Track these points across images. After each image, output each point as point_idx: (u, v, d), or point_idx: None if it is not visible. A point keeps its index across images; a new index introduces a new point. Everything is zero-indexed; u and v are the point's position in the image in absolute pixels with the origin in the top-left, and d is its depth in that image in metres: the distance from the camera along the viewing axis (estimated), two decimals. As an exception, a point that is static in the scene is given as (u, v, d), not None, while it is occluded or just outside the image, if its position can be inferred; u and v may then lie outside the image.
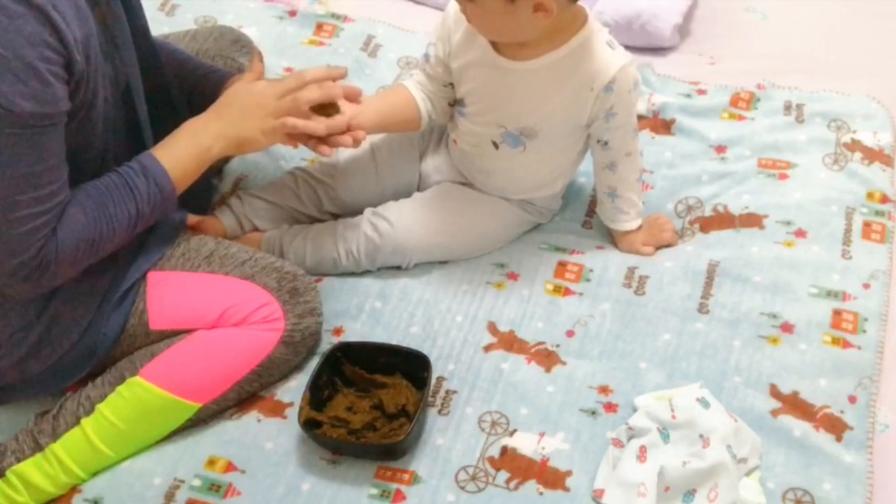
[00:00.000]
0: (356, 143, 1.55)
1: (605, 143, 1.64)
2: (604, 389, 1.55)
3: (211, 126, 1.48)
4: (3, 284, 1.35)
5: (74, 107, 1.31)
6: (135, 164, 1.43)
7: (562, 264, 1.72)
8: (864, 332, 1.60)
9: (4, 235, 1.30)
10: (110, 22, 1.38)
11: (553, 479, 1.45)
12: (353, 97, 1.59)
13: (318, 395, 1.50)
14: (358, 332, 1.63)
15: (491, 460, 1.47)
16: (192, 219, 1.67)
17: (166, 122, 1.53)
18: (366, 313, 1.65)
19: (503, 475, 1.45)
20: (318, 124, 1.52)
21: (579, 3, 1.52)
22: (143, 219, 1.43)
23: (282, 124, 1.50)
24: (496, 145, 1.65)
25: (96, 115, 1.37)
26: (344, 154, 1.79)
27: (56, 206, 1.32)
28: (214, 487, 1.45)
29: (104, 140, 1.42)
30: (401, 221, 1.68)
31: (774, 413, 1.51)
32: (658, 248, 1.75)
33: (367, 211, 1.71)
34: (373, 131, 1.63)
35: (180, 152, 1.46)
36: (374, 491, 1.44)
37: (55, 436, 1.46)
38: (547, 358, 1.59)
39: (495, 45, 1.57)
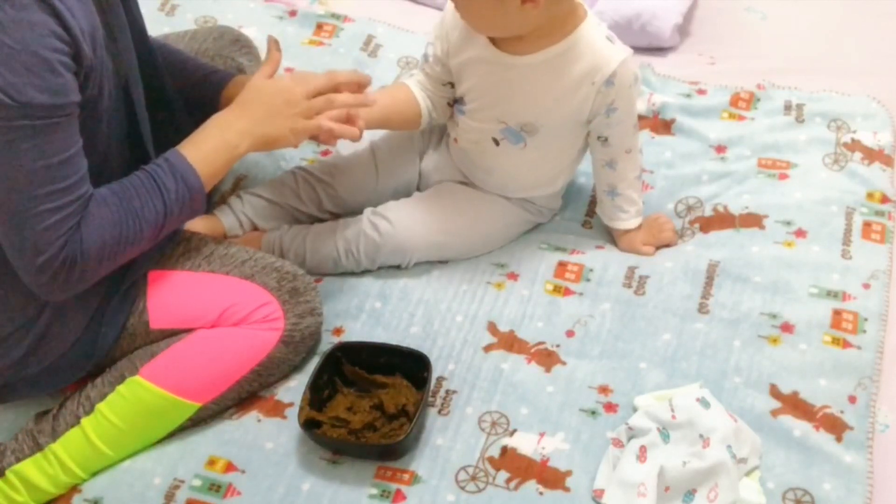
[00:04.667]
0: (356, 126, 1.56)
1: (606, 140, 1.64)
2: (604, 389, 1.55)
3: (238, 123, 1.48)
4: (31, 285, 1.34)
5: (83, 100, 1.30)
6: (162, 162, 1.42)
7: (562, 264, 1.72)
8: (864, 332, 1.60)
9: (27, 232, 1.29)
10: (108, 14, 1.38)
11: (553, 479, 1.45)
12: (366, 84, 1.59)
13: (318, 395, 1.51)
14: (358, 332, 1.63)
15: (491, 460, 1.47)
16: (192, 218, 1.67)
17: (163, 123, 1.53)
18: (366, 313, 1.65)
19: (503, 475, 1.45)
20: (355, 130, 1.53)
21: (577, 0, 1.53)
22: (171, 217, 1.41)
23: (316, 126, 1.50)
24: (497, 142, 1.65)
25: (102, 110, 1.37)
26: (344, 153, 1.79)
27: (77, 200, 1.31)
28: (214, 487, 1.45)
29: (108, 136, 1.41)
30: (401, 220, 1.68)
31: (774, 413, 1.51)
32: (658, 247, 1.75)
33: (367, 210, 1.71)
34: (373, 126, 1.64)
35: (208, 150, 1.45)
36: (374, 491, 1.44)
37: (55, 435, 1.46)
38: (547, 358, 1.59)
39: (495, 41, 1.57)
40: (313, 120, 1.50)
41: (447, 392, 1.55)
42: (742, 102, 1.99)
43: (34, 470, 1.45)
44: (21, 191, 1.27)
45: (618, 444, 1.47)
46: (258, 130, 1.48)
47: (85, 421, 1.46)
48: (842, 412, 1.51)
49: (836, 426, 1.49)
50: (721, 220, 1.77)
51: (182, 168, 1.41)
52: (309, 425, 1.46)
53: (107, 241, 1.35)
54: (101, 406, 1.46)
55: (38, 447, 1.46)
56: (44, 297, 1.37)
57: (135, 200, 1.37)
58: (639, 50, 2.09)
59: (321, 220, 1.76)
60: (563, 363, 1.58)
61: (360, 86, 1.57)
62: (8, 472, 1.46)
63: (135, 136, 1.48)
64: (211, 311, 1.49)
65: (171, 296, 1.50)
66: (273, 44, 1.57)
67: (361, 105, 1.55)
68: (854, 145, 1.88)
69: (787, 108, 1.96)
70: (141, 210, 1.38)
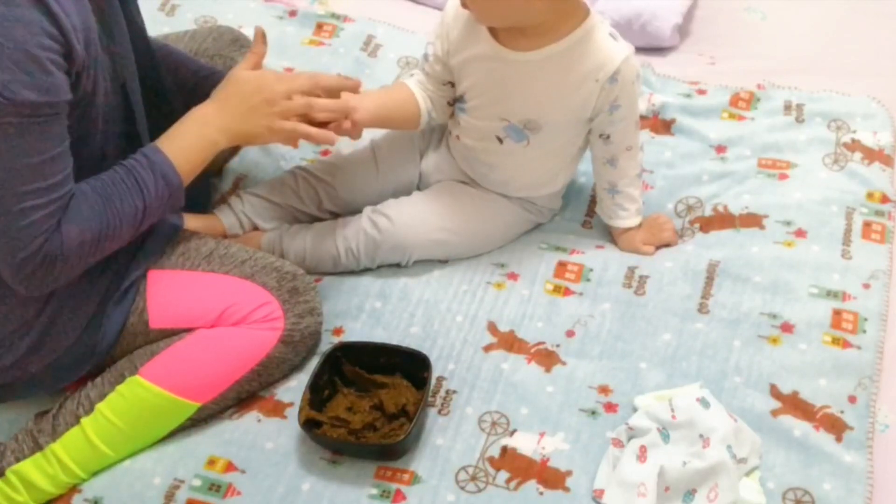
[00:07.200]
0: (354, 125, 1.56)
1: (608, 138, 1.64)
2: (604, 389, 1.55)
3: (216, 119, 1.48)
4: (11, 280, 1.35)
5: (76, 98, 1.30)
6: (140, 157, 1.42)
7: (562, 264, 1.72)
8: (864, 332, 1.60)
9: (9, 228, 1.29)
10: (106, 13, 1.38)
11: (553, 479, 1.45)
12: (353, 89, 1.59)
13: (318, 395, 1.50)
14: (358, 332, 1.63)
15: (491, 460, 1.47)
16: (192, 218, 1.67)
17: (161, 121, 1.53)
18: (366, 313, 1.65)
19: (503, 475, 1.45)
20: (332, 134, 1.53)
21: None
22: (150, 212, 1.42)
23: (293, 129, 1.51)
24: (500, 140, 1.65)
25: (97, 108, 1.37)
26: (344, 152, 1.79)
27: (60, 198, 1.31)
28: (214, 487, 1.45)
29: (104, 134, 1.41)
30: (401, 218, 1.68)
31: (774, 413, 1.51)
32: (658, 247, 1.75)
33: (367, 208, 1.71)
34: (372, 124, 1.64)
35: (186, 145, 1.45)
36: (374, 491, 1.44)
37: (55, 435, 1.46)
38: (547, 358, 1.59)
39: (498, 38, 1.57)
40: (291, 124, 1.50)
41: (447, 392, 1.55)
42: (742, 102, 1.99)
43: (34, 470, 1.45)
44: (6, 187, 1.27)
45: (618, 444, 1.47)
46: (235, 127, 1.49)
47: (85, 421, 1.46)
48: (842, 412, 1.51)
49: (836, 426, 1.49)
50: (721, 220, 1.77)
51: (161, 164, 1.42)
52: (309, 425, 1.46)
53: (86, 238, 1.35)
54: (101, 406, 1.46)
55: (38, 447, 1.46)
56: (23, 292, 1.37)
57: (114, 197, 1.38)
58: (639, 50, 2.09)
59: (321, 220, 1.76)
60: (563, 363, 1.58)
61: (345, 89, 1.57)
62: (8, 472, 1.46)
63: (132, 134, 1.48)
64: (211, 310, 1.49)
65: (170, 295, 1.50)
66: (259, 36, 1.56)
67: (342, 112, 1.55)
68: (854, 145, 1.88)
69: (787, 108, 1.96)
70: (121, 207, 1.38)
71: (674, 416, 1.45)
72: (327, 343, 1.60)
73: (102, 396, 1.47)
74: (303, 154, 1.88)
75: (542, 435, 1.49)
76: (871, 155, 1.86)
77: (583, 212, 1.83)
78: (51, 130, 1.28)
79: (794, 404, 1.52)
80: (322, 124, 1.54)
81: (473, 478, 1.45)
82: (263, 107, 1.49)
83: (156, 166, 1.41)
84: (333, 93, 1.56)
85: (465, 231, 1.71)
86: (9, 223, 1.29)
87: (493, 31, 1.58)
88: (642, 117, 1.90)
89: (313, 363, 1.56)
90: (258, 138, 1.52)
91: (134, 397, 1.46)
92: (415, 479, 1.45)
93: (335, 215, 1.76)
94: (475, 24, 1.58)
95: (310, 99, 1.52)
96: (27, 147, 1.26)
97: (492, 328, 1.63)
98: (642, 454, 1.42)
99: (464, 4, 1.53)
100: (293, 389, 1.55)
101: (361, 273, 1.71)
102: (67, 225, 1.33)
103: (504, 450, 1.48)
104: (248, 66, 1.53)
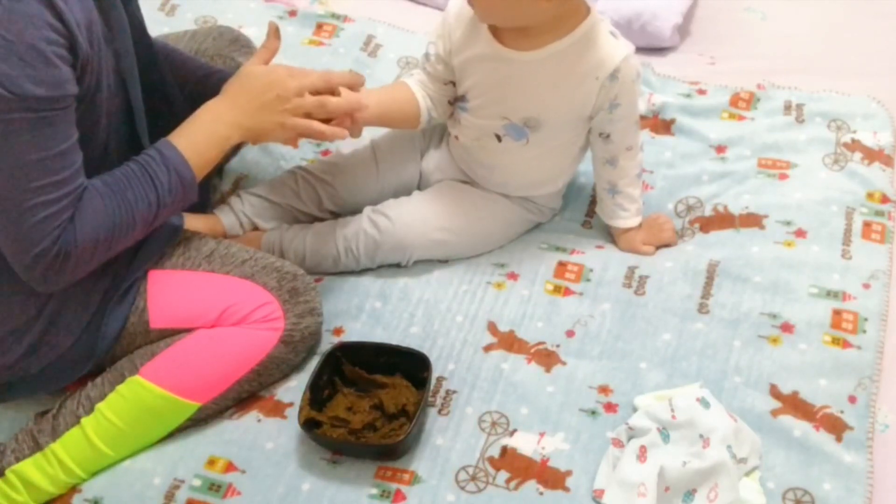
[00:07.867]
0: (354, 123, 1.56)
1: (608, 137, 1.64)
2: (604, 389, 1.55)
3: (228, 115, 1.48)
4: (25, 277, 1.35)
5: (80, 92, 1.30)
6: (153, 153, 1.42)
7: (562, 264, 1.72)
8: (864, 332, 1.60)
9: (21, 225, 1.29)
10: (107, 10, 1.38)
11: (553, 479, 1.45)
12: (356, 86, 1.59)
13: (318, 395, 1.50)
14: (358, 332, 1.63)
15: (491, 460, 1.47)
16: (192, 218, 1.67)
17: (163, 118, 1.53)
18: (366, 313, 1.65)
19: (503, 475, 1.45)
20: (343, 130, 1.53)
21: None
22: (164, 208, 1.42)
23: (306, 126, 1.51)
24: (499, 138, 1.65)
25: (100, 103, 1.37)
26: (344, 152, 1.79)
27: (72, 193, 1.31)
28: (214, 487, 1.45)
29: (107, 130, 1.41)
30: (401, 218, 1.68)
31: (774, 413, 1.51)
32: (658, 247, 1.75)
33: (367, 208, 1.71)
34: (372, 123, 1.64)
35: (199, 141, 1.45)
36: (374, 491, 1.44)
37: (55, 435, 1.46)
38: (547, 358, 1.59)
39: (499, 38, 1.57)
40: (304, 121, 1.50)
41: (447, 392, 1.55)
42: (742, 102, 1.99)
43: (34, 470, 1.45)
44: (16, 183, 1.27)
45: (618, 444, 1.47)
46: (247, 123, 1.49)
47: (85, 421, 1.46)
48: (842, 412, 1.51)
49: (836, 426, 1.49)
50: (721, 220, 1.77)
51: (175, 160, 1.42)
52: (309, 425, 1.46)
53: (100, 234, 1.35)
54: (101, 406, 1.46)
55: (38, 447, 1.46)
56: (37, 288, 1.37)
57: (128, 192, 1.38)
58: (639, 50, 2.09)
59: (321, 220, 1.76)
60: (564, 363, 1.58)
61: (353, 87, 1.57)
62: (8, 472, 1.46)
63: (135, 130, 1.48)
64: (211, 310, 1.49)
65: (171, 295, 1.50)
66: (273, 31, 1.56)
67: (354, 110, 1.55)
68: (854, 145, 1.88)
69: (787, 108, 1.96)
70: (134, 202, 1.38)
71: (674, 416, 1.45)
72: (327, 343, 1.60)
73: (103, 396, 1.47)
74: (303, 154, 1.88)
75: (542, 435, 1.49)
76: (871, 155, 1.86)
77: (583, 212, 1.83)
78: (58, 125, 1.28)
79: (794, 404, 1.52)
80: (325, 121, 1.54)
81: (473, 478, 1.45)
82: (275, 103, 1.49)
83: (169, 161, 1.41)
84: (337, 90, 1.56)
85: (465, 230, 1.71)
86: (21, 219, 1.29)
87: (495, 32, 1.58)
88: (642, 117, 1.90)
89: (313, 363, 1.56)
90: (269, 135, 1.52)
91: (134, 397, 1.46)
92: (415, 479, 1.45)
93: (335, 215, 1.76)
94: (477, 24, 1.58)
95: (322, 97, 1.52)
96: (35, 142, 1.26)
97: (492, 328, 1.63)
98: (642, 454, 1.42)
99: (469, 2, 1.53)
100: (293, 389, 1.55)
101: (361, 273, 1.71)
102: (80, 220, 1.33)
103: (504, 450, 1.48)
104: (259, 62, 1.53)
